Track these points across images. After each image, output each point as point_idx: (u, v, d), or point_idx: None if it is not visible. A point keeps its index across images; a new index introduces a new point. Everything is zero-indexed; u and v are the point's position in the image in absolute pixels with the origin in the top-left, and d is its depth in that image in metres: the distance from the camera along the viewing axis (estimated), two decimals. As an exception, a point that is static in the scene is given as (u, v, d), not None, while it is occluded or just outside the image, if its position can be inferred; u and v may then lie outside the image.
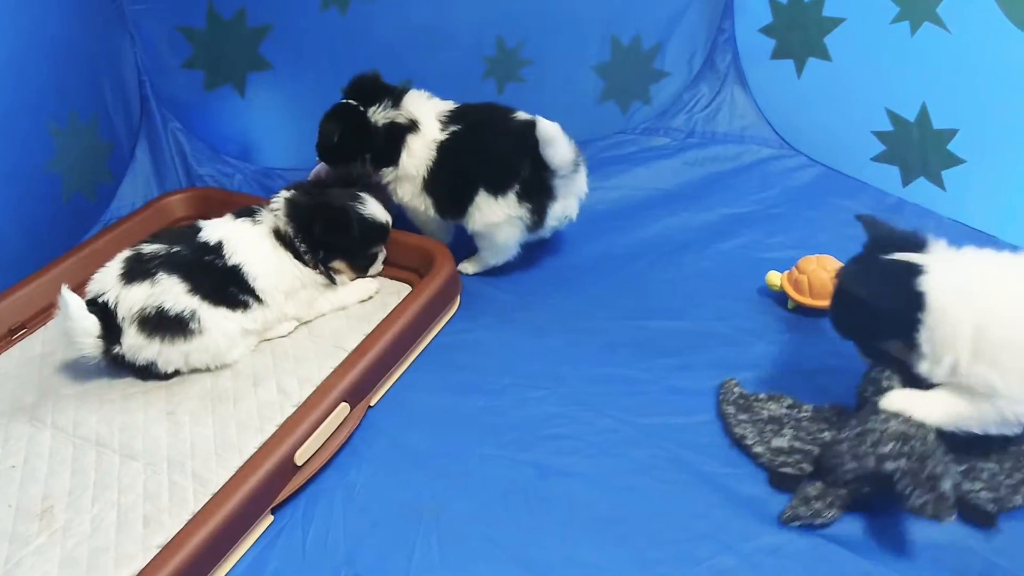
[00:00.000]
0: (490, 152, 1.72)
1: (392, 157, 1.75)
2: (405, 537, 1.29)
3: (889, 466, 1.20)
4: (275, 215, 1.59)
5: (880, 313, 1.27)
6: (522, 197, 1.70)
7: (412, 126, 1.74)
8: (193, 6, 1.96)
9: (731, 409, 1.44)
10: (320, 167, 1.95)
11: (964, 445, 1.27)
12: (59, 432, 1.44)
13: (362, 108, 1.75)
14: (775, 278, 1.73)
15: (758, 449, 1.36)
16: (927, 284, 1.22)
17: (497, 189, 1.70)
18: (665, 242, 1.94)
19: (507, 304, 1.77)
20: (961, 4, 1.73)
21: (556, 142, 1.61)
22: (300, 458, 1.36)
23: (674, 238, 1.95)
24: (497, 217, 1.72)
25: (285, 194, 1.62)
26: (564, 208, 1.74)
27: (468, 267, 1.87)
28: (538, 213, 1.72)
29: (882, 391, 1.27)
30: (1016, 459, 1.29)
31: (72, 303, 1.41)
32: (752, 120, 2.22)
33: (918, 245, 1.30)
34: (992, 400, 1.20)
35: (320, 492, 1.37)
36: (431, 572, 1.24)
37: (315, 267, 1.61)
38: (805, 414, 1.41)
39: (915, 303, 1.22)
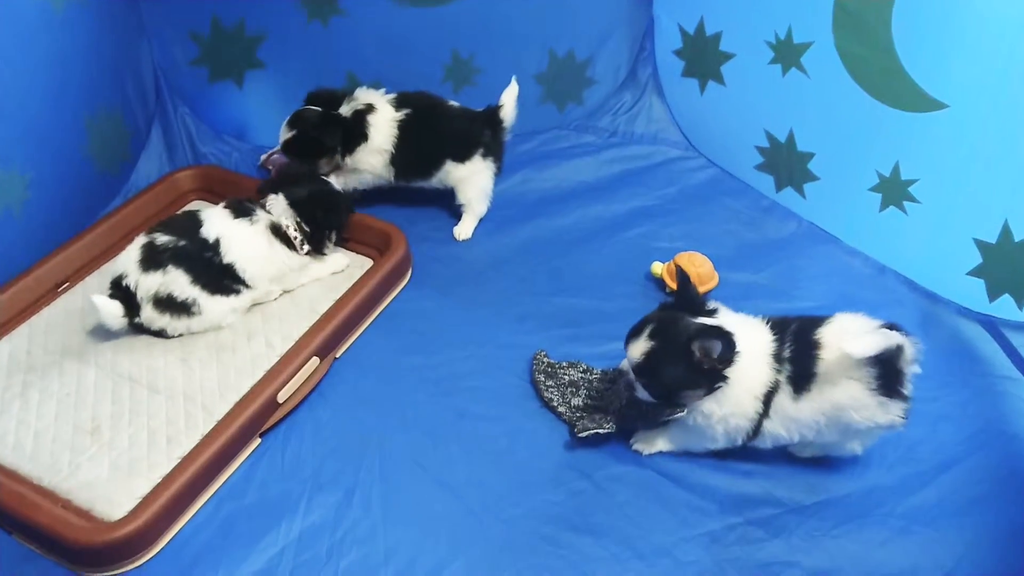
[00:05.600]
0: (451, 131, 2.24)
1: (361, 137, 2.20)
2: (356, 460, 1.74)
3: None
4: (270, 213, 2.00)
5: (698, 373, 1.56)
6: (485, 155, 2.25)
7: (370, 108, 2.21)
8: (200, 17, 2.35)
9: (541, 377, 1.87)
10: (275, 156, 2.42)
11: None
12: (101, 369, 1.86)
13: (331, 111, 2.20)
14: (657, 268, 2.16)
15: (561, 409, 1.80)
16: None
17: (463, 157, 2.23)
18: (580, 229, 2.35)
19: (447, 279, 2.19)
20: (818, 57, 2.13)
21: (515, 98, 2.25)
22: (281, 397, 1.79)
23: (588, 226, 2.36)
24: (467, 172, 2.25)
25: (279, 200, 2.00)
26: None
27: (464, 229, 2.32)
28: (499, 161, 2.29)
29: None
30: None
31: (100, 303, 1.84)
32: (665, 125, 2.62)
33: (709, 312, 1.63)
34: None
35: (295, 423, 1.81)
36: (372, 484, 1.70)
37: (302, 249, 2.02)
38: (595, 376, 1.85)
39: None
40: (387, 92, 2.27)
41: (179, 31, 2.37)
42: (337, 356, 1.97)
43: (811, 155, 2.28)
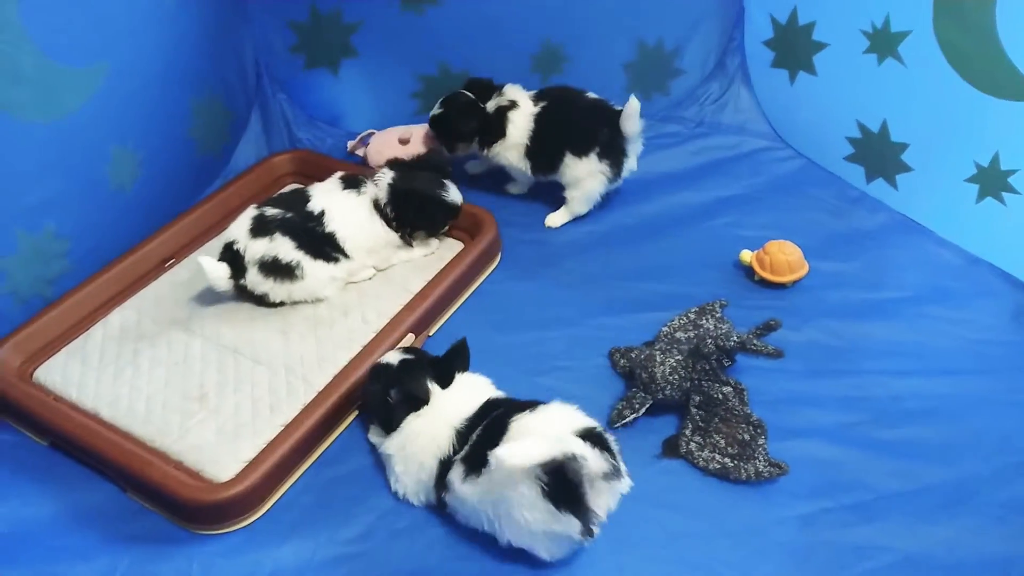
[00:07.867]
0: (573, 123, 2.25)
1: (500, 133, 2.28)
2: (449, 431, 1.82)
3: None
4: (376, 189, 2.07)
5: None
6: (601, 156, 2.23)
7: (512, 105, 2.27)
8: (300, 5, 2.43)
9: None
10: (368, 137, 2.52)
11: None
12: (206, 340, 1.95)
13: (480, 102, 2.29)
14: (746, 255, 2.17)
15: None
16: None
17: (581, 151, 2.23)
18: (666, 217, 2.37)
19: (536, 262, 2.23)
20: (916, 46, 2.12)
21: (634, 116, 2.17)
22: (378, 371, 1.88)
23: (674, 213, 2.38)
24: (582, 172, 2.25)
25: (387, 176, 2.08)
26: (630, 164, 2.29)
27: (556, 219, 2.36)
28: (616, 167, 2.26)
29: None
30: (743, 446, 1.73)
31: (207, 265, 1.94)
32: (752, 115, 2.62)
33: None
34: None
35: (391, 396, 1.90)
36: (463, 455, 1.77)
37: (399, 233, 2.10)
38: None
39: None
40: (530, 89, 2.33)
41: (279, 18, 2.46)
42: (430, 334, 2.03)
43: (905, 145, 2.25)
